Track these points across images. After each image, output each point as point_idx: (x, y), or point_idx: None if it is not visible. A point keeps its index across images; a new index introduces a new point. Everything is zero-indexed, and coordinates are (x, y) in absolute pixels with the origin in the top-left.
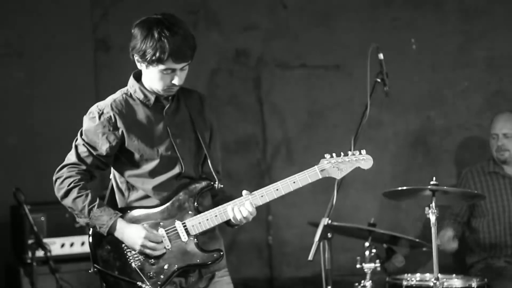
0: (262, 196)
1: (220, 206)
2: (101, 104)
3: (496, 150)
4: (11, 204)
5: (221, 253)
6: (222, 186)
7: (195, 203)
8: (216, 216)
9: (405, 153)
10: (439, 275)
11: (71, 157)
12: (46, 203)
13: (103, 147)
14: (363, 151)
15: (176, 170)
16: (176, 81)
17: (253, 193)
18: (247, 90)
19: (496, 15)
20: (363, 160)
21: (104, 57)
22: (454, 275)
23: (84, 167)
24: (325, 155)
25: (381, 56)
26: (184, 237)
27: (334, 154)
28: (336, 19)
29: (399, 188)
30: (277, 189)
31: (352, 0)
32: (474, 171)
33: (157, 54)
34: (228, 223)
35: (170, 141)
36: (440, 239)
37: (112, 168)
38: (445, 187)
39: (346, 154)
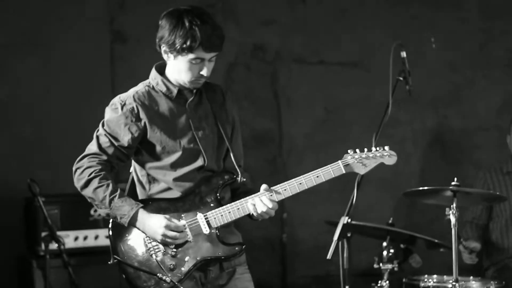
0: (285, 190)
1: (242, 199)
2: (123, 96)
3: None
4: (25, 195)
5: (243, 246)
6: (244, 179)
7: (218, 196)
8: (238, 209)
9: (422, 152)
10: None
11: (92, 147)
12: (60, 195)
13: (125, 138)
14: (387, 147)
15: (199, 162)
16: (204, 72)
17: (275, 187)
18: (264, 85)
19: None
20: (388, 155)
21: (120, 49)
22: (471, 278)
23: (105, 157)
24: (348, 151)
25: (403, 54)
26: (205, 229)
27: (357, 150)
28: (355, 16)
29: (420, 188)
30: (300, 183)
31: None
32: (492, 171)
33: (188, 43)
34: (250, 216)
35: (192, 134)
36: (464, 249)
37: (132, 160)
38: (466, 188)
39: (370, 150)
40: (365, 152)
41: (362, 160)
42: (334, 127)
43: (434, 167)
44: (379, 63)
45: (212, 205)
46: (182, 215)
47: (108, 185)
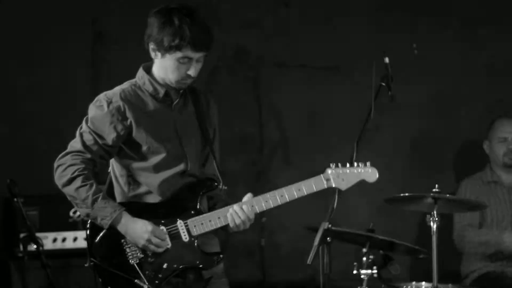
0: (266, 201)
1: (223, 208)
2: (109, 93)
3: (505, 154)
4: (4, 196)
5: (221, 256)
6: (225, 187)
7: (198, 204)
8: (219, 218)
9: (404, 159)
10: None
11: (75, 145)
12: (39, 196)
13: (110, 136)
14: (368, 163)
15: (181, 167)
16: (191, 72)
17: (255, 197)
18: (245, 89)
19: (498, 23)
20: (369, 172)
21: (101, 49)
22: (450, 285)
23: (88, 155)
24: (330, 164)
25: (386, 60)
26: (185, 237)
27: (339, 164)
28: (337, 20)
29: (401, 195)
30: (281, 195)
31: (355, 1)
32: (473, 181)
33: (176, 41)
34: (224, 228)
35: (177, 136)
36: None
37: (112, 161)
38: (447, 195)
39: (352, 165)
40: (347, 167)
41: (343, 176)
42: (315, 131)
43: (415, 174)
44: (362, 68)
45: (192, 212)
46: (162, 221)
47: (91, 185)
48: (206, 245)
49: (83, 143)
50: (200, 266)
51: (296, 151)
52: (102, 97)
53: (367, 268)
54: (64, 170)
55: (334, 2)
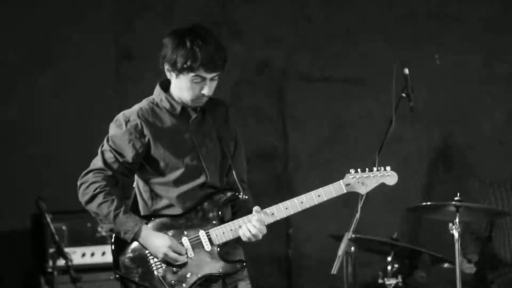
0: (286, 208)
1: (244, 217)
2: (127, 112)
3: None
4: (32, 212)
5: (244, 263)
6: (246, 197)
7: (219, 213)
8: (240, 227)
9: (428, 168)
10: None
11: (97, 163)
12: (67, 212)
13: (130, 154)
14: (388, 167)
15: (201, 179)
16: (205, 91)
17: (274, 206)
18: (269, 103)
19: None
20: (388, 176)
21: (126, 66)
22: None
23: (110, 172)
24: (350, 170)
25: (406, 71)
26: (207, 246)
27: (359, 170)
28: (359, 33)
29: (423, 204)
30: (301, 202)
31: (376, 14)
32: (496, 187)
33: (189, 63)
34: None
35: (195, 150)
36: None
37: (136, 176)
38: (469, 203)
39: (371, 170)
40: (366, 172)
41: (363, 180)
42: (339, 144)
43: (439, 182)
44: (384, 79)
45: (214, 222)
46: (185, 231)
47: (112, 201)
48: (229, 254)
49: (104, 161)
50: (223, 274)
51: (319, 162)
52: (120, 116)
53: (392, 277)
54: (87, 188)
55: (355, 14)
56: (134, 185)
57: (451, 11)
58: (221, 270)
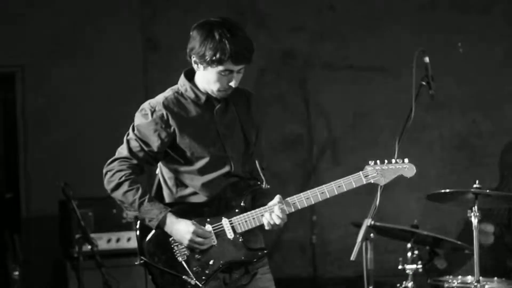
0: (307, 198)
1: (266, 206)
2: (152, 102)
3: None
4: (59, 199)
5: (265, 251)
6: (268, 186)
7: (242, 202)
8: (262, 215)
9: (450, 155)
10: (481, 278)
11: (122, 151)
12: (93, 198)
13: (155, 144)
14: (406, 160)
15: (226, 169)
16: (233, 83)
17: (296, 196)
18: (293, 91)
19: None
20: (406, 168)
21: (153, 56)
22: (495, 278)
23: (135, 161)
24: (369, 162)
25: (427, 59)
26: (230, 234)
27: (378, 161)
28: (383, 22)
29: (442, 191)
30: (322, 192)
31: (399, 3)
32: None
33: (218, 55)
34: (262, 226)
35: (220, 140)
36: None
37: (160, 164)
38: (487, 191)
39: (390, 162)
40: (385, 163)
41: (381, 172)
42: (362, 131)
43: (462, 170)
44: (407, 67)
45: (237, 210)
46: (208, 219)
47: (138, 189)
48: (251, 242)
49: (130, 149)
50: (245, 260)
51: (344, 150)
52: (146, 105)
53: (412, 263)
54: (112, 175)
55: (378, 3)
56: (157, 171)
57: (473, 1)
58: (243, 258)
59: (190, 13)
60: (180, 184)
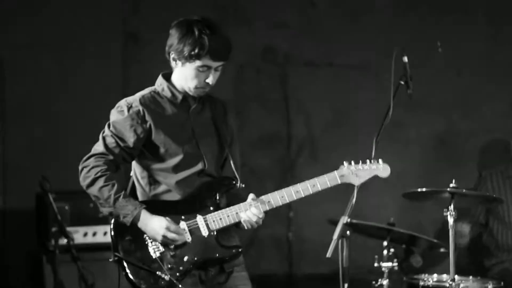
0: (282, 196)
1: (241, 204)
2: (129, 99)
3: None
4: (36, 192)
5: (240, 249)
6: (243, 185)
7: (217, 200)
8: (237, 213)
9: (428, 154)
10: (456, 277)
11: (98, 148)
12: (70, 192)
13: (131, 139)
14: (380, 160)
15: (199, 166)
16: (210, 80)
17: (271, 193)
18: (273, 87)
19: None
20: (381, 168)
21: (132, 50)
22: (471, 277)
23: (111, 157)
24: (344, 162)
25: (405, 59)
26: (204, 231)
27: (352, 162)
28: (364, 20)
29: (419, 190)
30: (297, 191)
31: (380, 1)
32: (494, 174)
33: (196, 50)
34: (237, 225)
35: (194, 139)
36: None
37: (134, 163)
38: (464, 190)
39: (364, 162)
40: (360, 164)
41: (356, 172)
42: (341, 129)
43: (439, 169)
44: (387, 66)
45: (211, 208)
46: (182, 216)
47: (113, 185)
48: (225, 239)
49: (106, 146)
50: (220, 258)
51: (322, 147)
52: (122, 102)
53: (388, 261)
54: (88, 171)
55: (359, 1)
56: (132, 173)
57: (453, 1)
58: (217, 255)
59: (171, 7)
60: (153, 182)
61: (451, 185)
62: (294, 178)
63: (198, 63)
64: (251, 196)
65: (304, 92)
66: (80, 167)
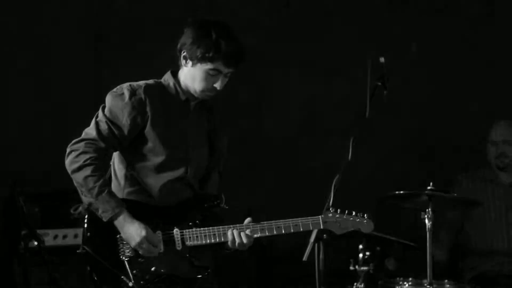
0: (262, 229)
1: (220, 226)
2: (134, 84)
3: (496, 157)
4: (6, 194)
5: (207, 271)
6: (226, 207)
7: (197, 216)
8: (214, 234)
9: (401, 156)
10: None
11: (90, 132)
12: (41, 194)
13: (126, 128)
14: (366, 215)
15: (181, 171)
16: (218, 84)
17: (253, 224)
18: (245, 88)
19: (496, 23)
20: (365, 223)
21: (104, 49)
22: (446, 281)
23: (102, 145)
24: (330, 209)
25: (382, 59)
26: (178, 245)
27: (338, 210)
28: (338, 20)
29: (396, 193)
30: (278, 227)
31: (355, 2)
32: (469, 177)
33: (211, 53)
34: (222, 246)
35: (185, 142)
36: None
37: (115, 154)
38: (442, 193)
39: (350, 213)
40: (345, 214)
41: (340, 222)
42: (314, 130)
43: (413, 171)
44: (360, 67)
45: (190, 223)
46: (160, 224)
47: (100, 176)
48: (197, 258)
49: (98, 132)
50: (184, 278)
51: (295, 150)
52: (125, 86)
53: (363, 265)
54: (77, 156)
55: (334, 2)
56: (111, 162)
57: (430, 2)
58: (185, 272)
59: (144, 7)
60: (130, 177)
61: (429, 187)
62: (267, 181)
63: (209, 65)
64: (248, 219)
65: (277, 93)
66: (68, 150)
